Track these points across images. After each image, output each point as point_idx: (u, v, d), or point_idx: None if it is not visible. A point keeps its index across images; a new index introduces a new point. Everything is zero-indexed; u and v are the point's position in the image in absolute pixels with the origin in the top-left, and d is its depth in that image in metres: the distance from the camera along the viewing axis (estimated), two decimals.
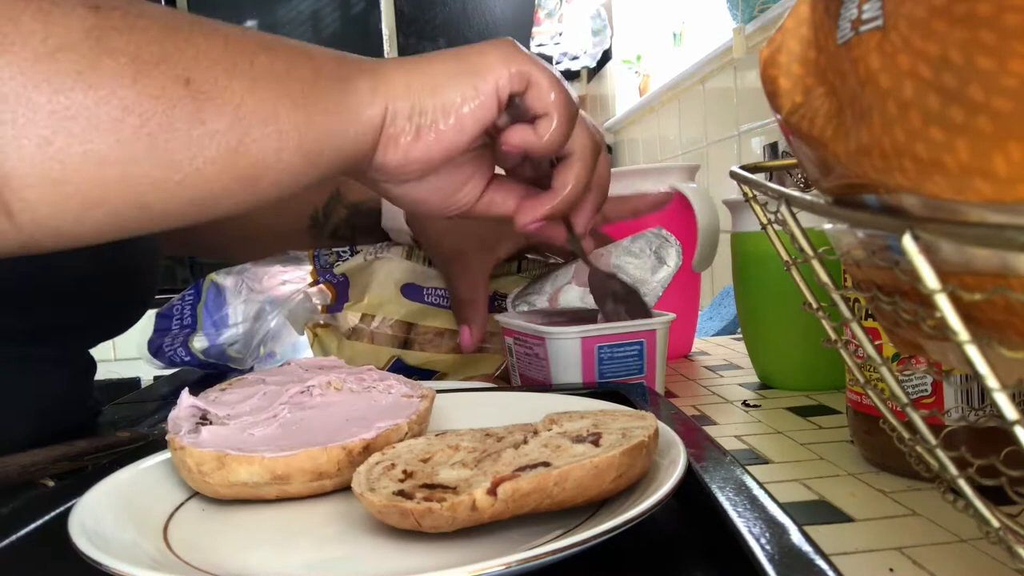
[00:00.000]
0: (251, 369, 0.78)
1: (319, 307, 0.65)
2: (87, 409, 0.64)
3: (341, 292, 0.65)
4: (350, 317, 0.63)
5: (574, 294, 0.59)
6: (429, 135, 0.39)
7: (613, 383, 0.52)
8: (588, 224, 0.48)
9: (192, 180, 0.35)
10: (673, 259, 0.57)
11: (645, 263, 0.57)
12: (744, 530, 0.26)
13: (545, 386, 0.53)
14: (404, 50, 2.94)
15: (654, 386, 0.54)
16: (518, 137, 0.40)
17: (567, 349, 0.52)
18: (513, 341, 0.57)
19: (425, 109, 0.38)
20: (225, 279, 0.76)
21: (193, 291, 0.78)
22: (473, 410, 0.44)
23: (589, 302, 0.57)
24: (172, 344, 0.79)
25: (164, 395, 0.75)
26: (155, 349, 0.80)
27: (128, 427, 0.50)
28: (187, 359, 0.79)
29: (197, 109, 0.34)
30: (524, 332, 0.55)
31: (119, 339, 0.82)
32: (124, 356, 0.82)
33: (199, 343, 0.77)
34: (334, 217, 0.70)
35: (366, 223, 0.68)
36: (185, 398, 0.38)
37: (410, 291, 0.64)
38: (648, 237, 0.58)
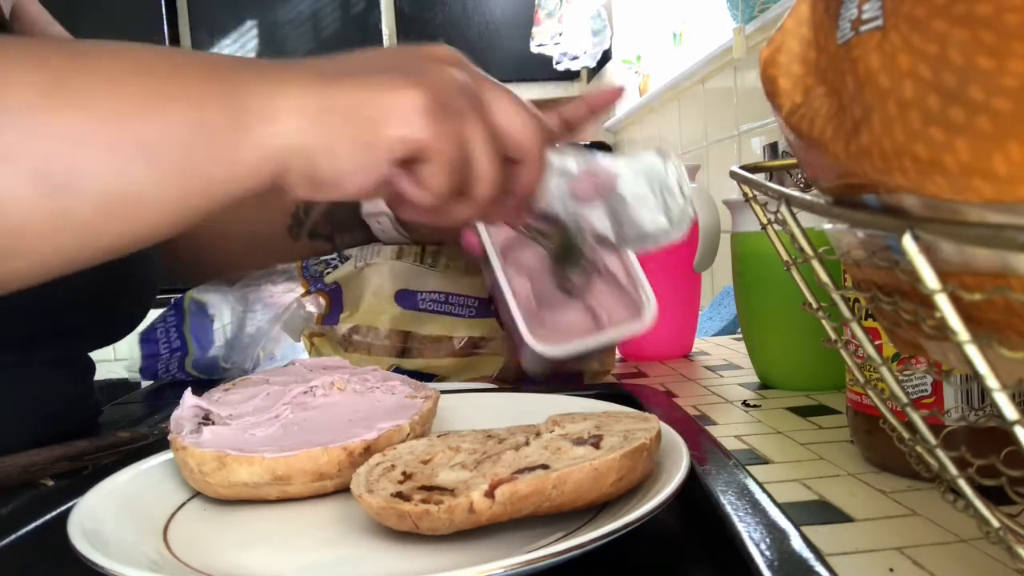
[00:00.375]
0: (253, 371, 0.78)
1: (314, 316, 0.65)
2: (87, 409, 0.64)
3: (335, 301, 0.65)
4: (346, 328, 0.63)
5: (561, 201, 0.50)
6: (326, 190, 0.37)
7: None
8: (499, 220, 0.46)
9: (78, 260, 0.35)
10: (682, 222, 0.48)
11: (647, 206, 0.48)
12: (744, 535, 0.26)
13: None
14: None
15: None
16: (402, 183, 0.38)
17: (539, 354, 0.50)
18: (493, 284, 0.53)
19: (320, 170, 0.36)
20: (204, 295, 0.77)
21: (174, 312, 0.79)
22: (476, 411, 0.44)
23: (573, 211, 0.51)
24: (168, 371, 0.80)
25: (164, 395, 0.75)
26: (151, 375, 0.81)
27: (128, 427, 0.50)
28: (189, 380, 0.80)
29: (61, 207, 0.32)
30: (502, 288, 0.51)
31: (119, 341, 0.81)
32: (124, 356, 0.82)
33: (192, 361, 0.78)
34: (314, 212, 0.67)
35: (346, 215, 0.65)
36: (188, 398, 0.38)
37: (404, 298, 0.63)
38: (655, 168, 0.48)
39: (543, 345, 0.49)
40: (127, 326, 0.65)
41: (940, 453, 0.23)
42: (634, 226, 0.49)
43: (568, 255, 0.53)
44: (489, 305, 0.64)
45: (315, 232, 0.67)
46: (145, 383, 0.85)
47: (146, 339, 0.81)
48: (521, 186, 0.43)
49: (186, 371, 0.80)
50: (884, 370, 0.25)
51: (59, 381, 0.58)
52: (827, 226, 0.26)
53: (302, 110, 0.36)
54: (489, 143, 0.39)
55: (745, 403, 0.56)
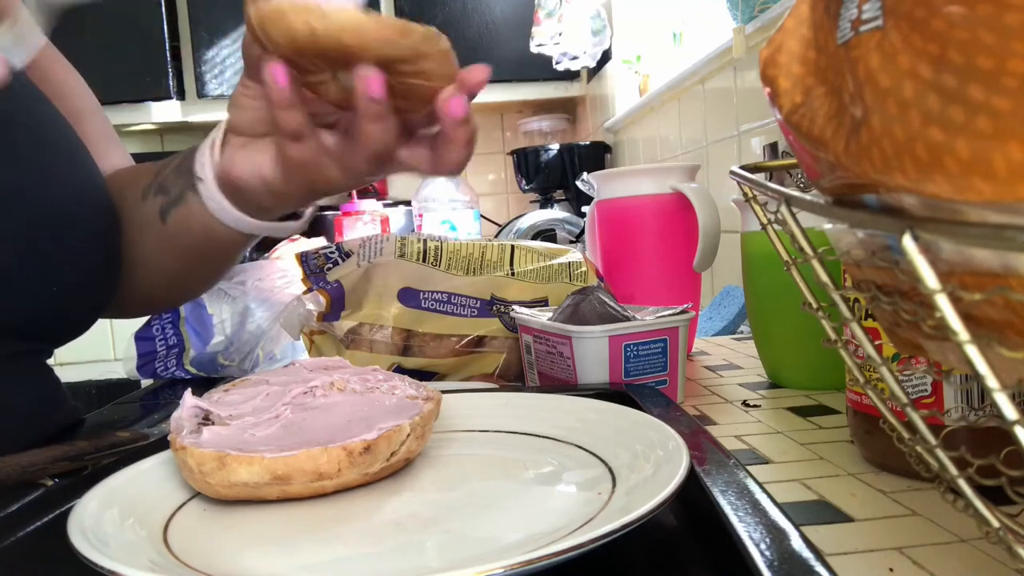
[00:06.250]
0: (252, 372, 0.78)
1: (314, 314, 0.65)
2: (59, 411, 0.61)
3: (337, 300, 0.64)
4: (348, 325, 0.63)
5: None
6: None
7: (637, 383, 0.52)
8: None
9: None
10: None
11: None
12: (744, 535, 0.26)
13: (569, 385, 0.53)
14: None
15: (676, 383, 0.55)
16: None
17: (594, 348, 0.52)
18: (533, 339, 0.57)
19: None
20: None
21: (170, 311, 0.79)
22: (476, 411, 0.44)
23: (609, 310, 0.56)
24: (167, 368, 0.80)
25: (163, 395, 0.75)
26: (149, 374, 0.81)
27: (128, 427, 0.50)
28: (187, 378, 0.80)
29: None
30: (547, 331, 0.55)
31: (119, 340, 0.81)
32: (123, 357, 0.82)
33: (190, 357, 0.78)
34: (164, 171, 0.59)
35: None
36: (188, 399, 0.38)
37: (407, 296, 0.63)
38: None
39: None
40: (77, 327, 0.61)
41: (940, 453, 0.23)
42: None
43: None
44: (491, 306, 0.64)
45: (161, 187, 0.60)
46: (145, 382, 0.85)
47: (141, 337, 0.81)
48: None
49: (185, 368, 0.80)
50: (884, 370, 0.25)
51: (16, 376, 0.55)
52: (827, 226, 0.26)
53: None
54: None
55: (745, 403, 0.56)
